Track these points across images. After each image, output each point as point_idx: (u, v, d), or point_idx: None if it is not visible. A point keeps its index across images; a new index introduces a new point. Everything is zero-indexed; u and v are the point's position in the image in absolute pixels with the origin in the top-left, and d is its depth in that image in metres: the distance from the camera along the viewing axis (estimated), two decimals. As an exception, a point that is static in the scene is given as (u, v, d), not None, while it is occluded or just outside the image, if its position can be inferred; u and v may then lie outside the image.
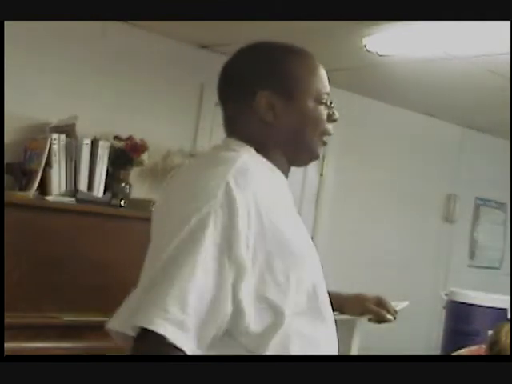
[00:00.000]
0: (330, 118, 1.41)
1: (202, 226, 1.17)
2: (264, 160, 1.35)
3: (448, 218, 5.36)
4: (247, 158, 1.29)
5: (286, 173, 1.41)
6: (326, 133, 1.41)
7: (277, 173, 1.37)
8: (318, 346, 1.30)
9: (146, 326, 1.13)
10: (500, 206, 5.74)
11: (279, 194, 1.34)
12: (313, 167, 4.46)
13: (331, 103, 1.41)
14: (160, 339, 1.12)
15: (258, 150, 1.35)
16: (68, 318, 2.88)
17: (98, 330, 2.89)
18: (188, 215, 1.19)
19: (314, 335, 1.30)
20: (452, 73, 3.82)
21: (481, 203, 5.60)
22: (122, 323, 1.18)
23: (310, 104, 1.37)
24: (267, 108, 1.35)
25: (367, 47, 3.42)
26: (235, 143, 1.36)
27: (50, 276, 2.91)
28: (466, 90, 4.17)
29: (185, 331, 1.14)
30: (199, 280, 1.15)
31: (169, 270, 1.16)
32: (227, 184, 1.20)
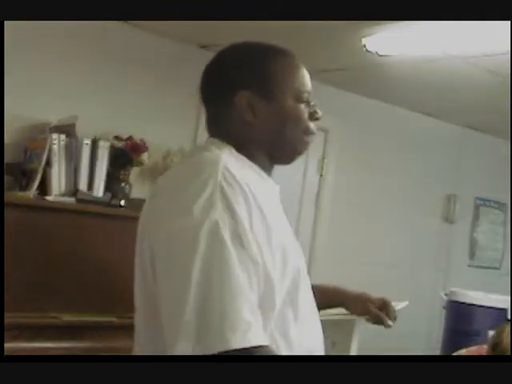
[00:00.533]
0: (312, 117, 1.42)
1: (216, 233, 1.17)
2: (243, 158, 1.36)
3: (448, 219, 5.35)
4: (226, 156, 1.30)
5: (268, 171, 1.42)
6: (308, 131, 1.41)
7: (260, 173, 1.38)
8: (289, 345, 1.29)
9: (244, 345, 1.12)
10: (500, 206, 5.73)
11: (261, 190, 1.32)
12: (313, 167, 4.46)
13: (313, 102, 1.42)
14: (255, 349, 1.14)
15: (238, 149, 1.36)
16: (68, 318, 2.88)
17: (98, 330, 2.90)
18: (197, 227, 1.17)
19: (288, 333, 1.29)
20: (452, 73, 3.82)
21: (481, 203, 5.60)
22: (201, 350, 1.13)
23: (290, 103, 1.38)
24: (247, 108, 1.36)
25: (367, 47, 3.42)
26: (215, 143, 1.37)
27: (50, 276, 2.91)
28: (466, 89, 4.17)
29: (263, 329, 1.17)
30: (244, 282, 1.16)
31: (221, 287, 1.15)
32: (222, 189, 1.21)
